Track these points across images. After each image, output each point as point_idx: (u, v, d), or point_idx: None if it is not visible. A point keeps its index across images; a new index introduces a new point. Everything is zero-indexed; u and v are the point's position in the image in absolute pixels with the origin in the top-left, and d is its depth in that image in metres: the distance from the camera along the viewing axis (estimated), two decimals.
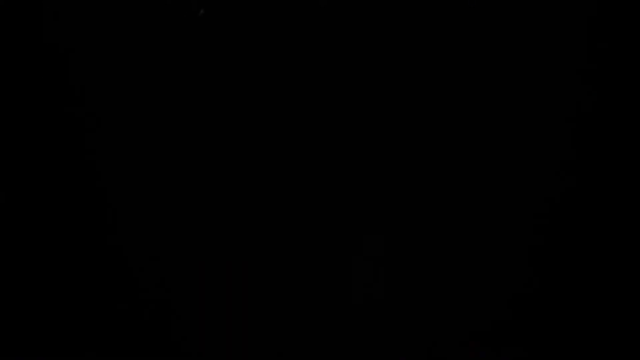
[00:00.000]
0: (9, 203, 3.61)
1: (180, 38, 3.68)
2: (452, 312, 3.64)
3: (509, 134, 3.68)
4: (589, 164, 3.64)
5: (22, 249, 3.61)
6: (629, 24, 3.62)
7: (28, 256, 3.60)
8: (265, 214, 3.67)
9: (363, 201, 3.68)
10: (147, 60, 3.68)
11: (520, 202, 3.66)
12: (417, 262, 3.67)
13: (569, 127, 3.65)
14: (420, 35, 3.68)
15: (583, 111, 3.65)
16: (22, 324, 3.57)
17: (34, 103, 3.64)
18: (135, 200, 3.65)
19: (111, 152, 3.65)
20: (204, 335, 3.59)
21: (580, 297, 3.61)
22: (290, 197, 3.68)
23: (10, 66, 3.64)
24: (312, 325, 3.63)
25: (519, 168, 3.68)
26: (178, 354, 3.59)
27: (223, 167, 3.68)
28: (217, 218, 3.65)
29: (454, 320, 3.64)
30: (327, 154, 3.69)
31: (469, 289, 3.65)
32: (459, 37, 3.67)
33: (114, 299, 3.59)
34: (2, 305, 3.57)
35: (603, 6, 3.61)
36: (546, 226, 3.64)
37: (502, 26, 3.66)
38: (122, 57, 3.68)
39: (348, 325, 3.64)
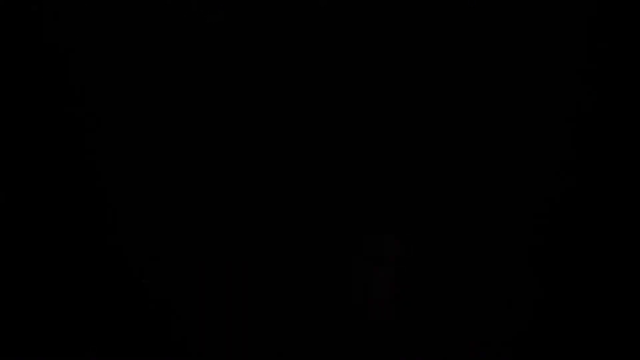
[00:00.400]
0: (9, 203, 3.62)
1: (180, 38, 3.69)
2: (452, 312, 3.65)
3: (509, 134, 3.69)
4: (588, 164, 3.65)
5: (22, 249, 3.61)
6: (629, 24, 3.63)
7: (28, 256, 3.61)
8: (265, 215, 3.67)
9: (362, 202, 3.68)
10: (147, 60, 3.68)
11: (519, 203, 3.66)
12: (417, 262, 3.68)
13: (569, 127, 3.67)
14: (421, 36, 3.69)
15: (583, 111, 3.66)
16: (22, 324, 3.58)
17: (34, 103, 3.65)
18: (135, 201, 3.65)
19: (111, 152, 3.66)
20: (205, 335, 3.59)
21: (579, 298, 3.62)
22: (291, 198, 3.68)
23: (10, 66, 3.64)
24: (312, 326, 3.63)
25: (518, 168, 3.69)
26: (179, 354, 3.59)
27: (224, 167, 3.69)
28: (217, 218, 3.66)
29: (454, 320, 3.64)
30: (327, 154, 3.70)
31: (468, 289, 3.66)
32: (459, 37, 3.68)
33: (114, 299, 3.60)
34: (2, 305, 3.58)
35: (603, 6, 3.61)
36: (546, 227, 3.64)
37: (501, 26, 3.67)
38: (122, 57, 3.68)
39: (348, 325, 3.65)
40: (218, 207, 3.65)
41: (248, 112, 3.69)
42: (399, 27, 3.69)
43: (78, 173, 3.63)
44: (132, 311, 3.58)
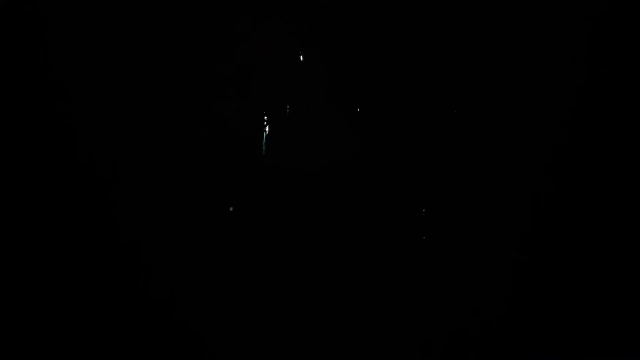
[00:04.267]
0: (9, 203, 3.57)
1: (177, 37, 3.64)
2: (450, 312, 3.65)
3: (505, 134, 3.70)
4: (588, 164, 3.67)
5: (22, 250, 3.58)
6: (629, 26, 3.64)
7: (29, 257, 3.57)
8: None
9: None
10: (144, 58, 3.64)
11: (514, 206, 3.68)
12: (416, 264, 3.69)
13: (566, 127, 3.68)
14: (420, 36, 3.68)
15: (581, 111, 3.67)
16: (23, 325, 3.55)
17: (31, 103, 3.60)
18: (137, 201, 3.62)
19: (113, 152, 3.62)
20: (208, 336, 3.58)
21: (578, 301, 3.64)
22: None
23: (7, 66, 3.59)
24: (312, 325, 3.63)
25: (515, 168, 3.69)
26: (182, 355, 3.58)
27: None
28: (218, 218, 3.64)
29: (451, 321, 3.65)
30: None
31: (467, 290, 3.67)
32: (458, 37, 3.67)
33: (117, 300, 3.57)
34: (2, 305, 3.55)
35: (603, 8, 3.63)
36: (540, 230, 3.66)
37: (502, 27, 3.67)
38: (119, 56, 3.63)
39: (347, 326, 3.64)
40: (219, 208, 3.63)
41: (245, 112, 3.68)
42: (395, 26, 3.67)
43: (79, 173, 3.61)
44: (136, 311, 3.56)
